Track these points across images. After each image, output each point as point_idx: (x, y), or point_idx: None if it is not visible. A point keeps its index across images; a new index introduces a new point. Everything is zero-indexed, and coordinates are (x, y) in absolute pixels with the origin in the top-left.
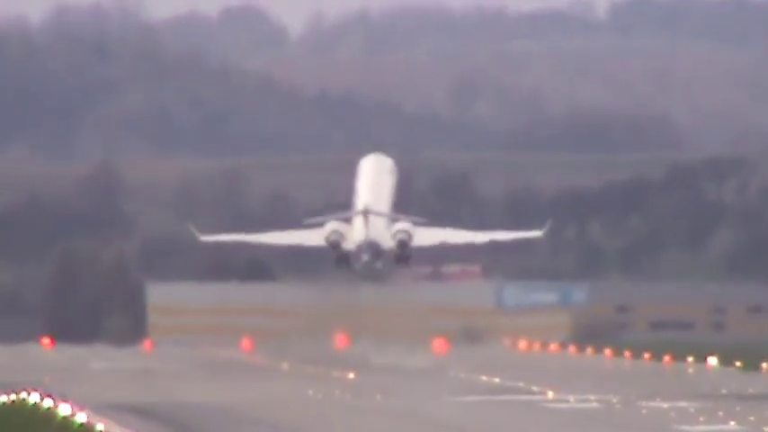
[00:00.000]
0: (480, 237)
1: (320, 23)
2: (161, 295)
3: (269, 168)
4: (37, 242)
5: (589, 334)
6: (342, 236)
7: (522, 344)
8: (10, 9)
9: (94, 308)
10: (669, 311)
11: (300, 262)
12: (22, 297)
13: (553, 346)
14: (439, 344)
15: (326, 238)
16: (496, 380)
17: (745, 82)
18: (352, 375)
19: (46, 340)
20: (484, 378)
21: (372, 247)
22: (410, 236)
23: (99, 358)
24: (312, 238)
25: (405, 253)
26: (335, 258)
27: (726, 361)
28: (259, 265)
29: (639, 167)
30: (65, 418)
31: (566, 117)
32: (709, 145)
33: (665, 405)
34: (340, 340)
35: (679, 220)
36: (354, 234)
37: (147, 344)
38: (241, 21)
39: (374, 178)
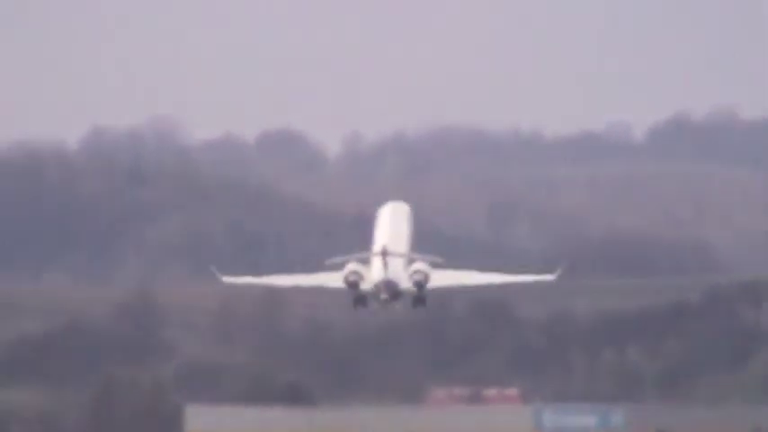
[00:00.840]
0: (495, 278)
1: (357, 145)
2: (200, 419)
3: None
4: (75, 367)
5: None
6: (360, 276)
7: None
8: (47, 133)
9: None
10: None
11: (340, 385)
12: (59, 423)
13: None
14: None
15: (345, 278)
16: None
17: None
18: None
19: None
20: None
21: (390, 287)
22: (427, 276)
23: None
24: (332, 279)
25: (421, 294)
26: (353, 299)
27: None
28: (299, 389)
29: (677, 291)
30: None
31: (603, 241)
32: (747, 268)
33: None
34: None
35: (717, 344)
36: (373, 274)
37: None
38: (278, 144)
39: (392, 222)
